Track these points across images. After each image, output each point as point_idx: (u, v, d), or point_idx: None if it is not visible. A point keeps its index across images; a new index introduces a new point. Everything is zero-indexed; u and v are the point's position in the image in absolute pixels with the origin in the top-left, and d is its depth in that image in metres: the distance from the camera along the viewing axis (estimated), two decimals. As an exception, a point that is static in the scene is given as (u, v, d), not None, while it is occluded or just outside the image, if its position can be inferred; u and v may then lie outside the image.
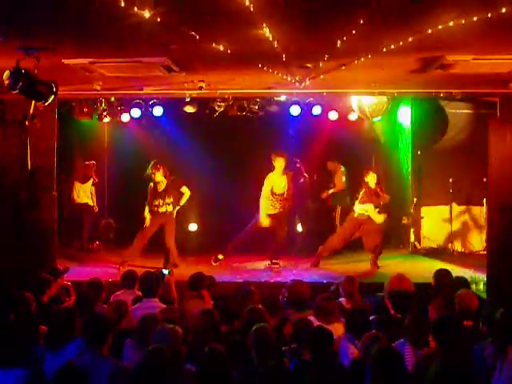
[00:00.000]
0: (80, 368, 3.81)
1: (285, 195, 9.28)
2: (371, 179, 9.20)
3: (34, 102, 6.20)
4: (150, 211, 9.21)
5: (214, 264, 9.38)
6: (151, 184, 9.20)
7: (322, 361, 4.15)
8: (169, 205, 9.18)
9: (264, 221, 9.26)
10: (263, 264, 9.42)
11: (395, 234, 10.87)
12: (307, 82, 6.75)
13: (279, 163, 9.11)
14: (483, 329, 4.69)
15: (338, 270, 8.82)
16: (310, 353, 4.35)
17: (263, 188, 9.26)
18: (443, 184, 10.43)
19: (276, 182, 9.25)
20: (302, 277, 8.12)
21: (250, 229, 9.42)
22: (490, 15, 4.16)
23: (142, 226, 9.31)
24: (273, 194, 9.23)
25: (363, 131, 11.25)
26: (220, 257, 9.44)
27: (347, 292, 6.13)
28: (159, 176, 9.12)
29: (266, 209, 9.25)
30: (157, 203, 9.15)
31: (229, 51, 5.16)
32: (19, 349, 4.16)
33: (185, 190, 9.27)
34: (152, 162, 9.21)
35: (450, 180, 10.39)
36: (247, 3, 3.90)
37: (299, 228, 10.34)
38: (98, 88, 7.05)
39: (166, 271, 6.85)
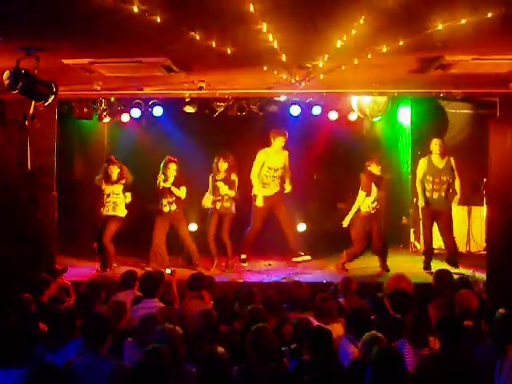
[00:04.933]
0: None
1: (279, 172, 9.07)
2: (374, 169, 8.72)
3: (33, 102, 6.20)
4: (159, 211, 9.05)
5: (244, 265, 9.09)
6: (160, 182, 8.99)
7: (322, 361, 4.15)
8: (172, 204, 9.00)
9: (259, 203, 8.96)
10: (263, 264, 9.39)
11: (395, 234, 10.85)
12: (307, 82, 6.75)
13: (279, 142, 8.97)
14: (486, 329, 4.69)
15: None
16: (310, 353, 4.35)
17: (253, 165, 9.00)
18: (443, 184, 10.38)
19: (271, 157, 9.06)
20: (301, 277, 8.16)
21: (255, 224, 9.09)
22: (489, 15, 4.16)
23: (142, 226, 9.21)
24: (267, 168, 9.02)
25: (363, 131, 11.23)
26: (243, 256, 9.17)
27: (345, 292, 6.13)
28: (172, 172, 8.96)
29: (260, 190, 8.98)
30: (163, 203, 8.98)
31: (229, 51, 5.16)
32: (19, 349, 4.16)
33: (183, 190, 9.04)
34: (166, 158, 9.05)
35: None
36: (247, 3, 3.91)
37: (301, 227, 10.31)
38: (98, 88, 7.04)
39: (168, 271, 6.82)
